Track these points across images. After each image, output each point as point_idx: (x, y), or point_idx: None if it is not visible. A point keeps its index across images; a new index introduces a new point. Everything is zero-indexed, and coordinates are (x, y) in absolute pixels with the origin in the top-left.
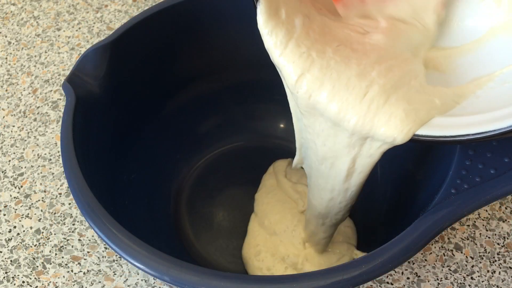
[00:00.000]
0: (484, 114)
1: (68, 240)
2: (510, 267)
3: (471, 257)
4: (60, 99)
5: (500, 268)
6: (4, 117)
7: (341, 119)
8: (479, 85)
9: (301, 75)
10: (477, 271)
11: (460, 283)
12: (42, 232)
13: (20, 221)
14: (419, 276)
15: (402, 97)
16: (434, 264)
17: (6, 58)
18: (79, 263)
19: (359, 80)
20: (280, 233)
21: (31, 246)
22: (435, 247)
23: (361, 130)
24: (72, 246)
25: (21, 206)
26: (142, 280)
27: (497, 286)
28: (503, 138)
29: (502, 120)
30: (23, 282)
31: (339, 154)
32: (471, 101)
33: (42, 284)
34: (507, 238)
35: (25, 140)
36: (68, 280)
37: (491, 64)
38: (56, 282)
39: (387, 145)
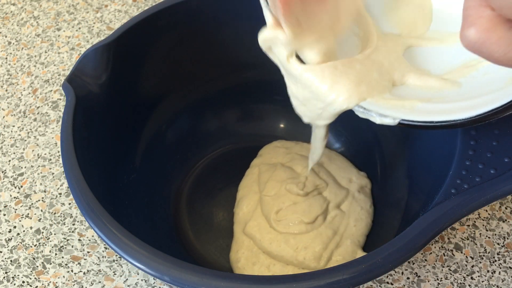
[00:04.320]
0: (468, 101)
1: (68, 240)
2: (510, 267)
3: (471, 257)
4: (60, 99)
5: (500, 268)
6: (4, 117)
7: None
8: (463, 74)
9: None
10: (477, 271)
11: (460, 283)
12: (42, 232)
13: (20, 221)
14: (419, 276)
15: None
16: (434, 264)
17: (6, 58)
18: (79, 263)
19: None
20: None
21: (31, 246)
22: (435, 247)
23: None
24: (72, 246)
25: (21, 206)
26: (142, 280)
27: (497, 286)
28: (485, 121)
29: (486, 105)
30: (23, 282)
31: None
32: (453, 89)
33: (42, 284)
34: (507, 238)
35: (25, 140)
36: (68, 280)
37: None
38: (56, 282)
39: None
